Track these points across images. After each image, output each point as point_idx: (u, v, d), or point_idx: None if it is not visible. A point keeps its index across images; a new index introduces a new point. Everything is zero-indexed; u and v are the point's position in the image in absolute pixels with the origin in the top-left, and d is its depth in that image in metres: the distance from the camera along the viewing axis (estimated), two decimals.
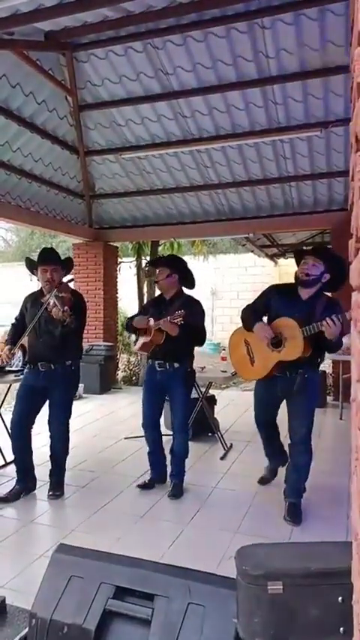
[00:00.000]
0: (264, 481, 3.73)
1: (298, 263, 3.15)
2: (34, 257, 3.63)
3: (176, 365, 3.53)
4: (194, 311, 3.45)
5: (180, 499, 3.52)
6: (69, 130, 5.99)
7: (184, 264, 3.71)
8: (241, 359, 3.33)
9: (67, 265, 3.60)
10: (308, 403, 3.19)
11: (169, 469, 3.73)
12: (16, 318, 3.69)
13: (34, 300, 3.56)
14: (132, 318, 3.74)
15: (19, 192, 5.87)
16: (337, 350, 3.06)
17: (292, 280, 3.18)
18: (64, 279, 3.58)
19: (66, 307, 3.20)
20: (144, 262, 8.92)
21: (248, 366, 3.28)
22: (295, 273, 3.12)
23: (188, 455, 3.71)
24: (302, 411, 3.17)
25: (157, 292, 8.93)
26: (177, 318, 3.27)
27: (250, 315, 3.23)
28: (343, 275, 2.93)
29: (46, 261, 3.46)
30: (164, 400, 3.75)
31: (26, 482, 3.58)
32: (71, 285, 3.61)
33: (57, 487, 3.56)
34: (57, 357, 3.44)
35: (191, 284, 3.69)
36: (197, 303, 3.59)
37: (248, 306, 3.32)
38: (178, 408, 3.60)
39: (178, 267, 3.65)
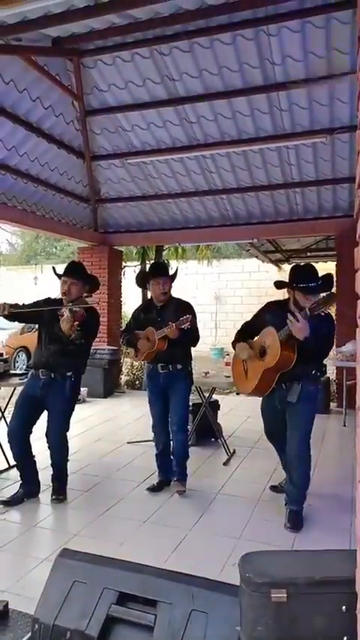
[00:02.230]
0: (277, 490, 3.66)
1: (282, 285, 3.22)
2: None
3: (179, 366, 3.61)
4: (191, 314, 3.53)
5: (183, 504, 3.51)
6: (75, 135, 6.02)
7: (174, 271, 3.83)
8: (239, 374, 3.44)
9: (89, 282, 3.62)
10: (304, 413, 3.16)
11: None
12: (29, 304, 3.61)
13: (51, 305, 3.52)
14: (126, 332, 3.81)
15: (25, 196, 5.90)
16: (317, 356, 3.08)
17: None
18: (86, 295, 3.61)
19: (76, 322, 3.23)
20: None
21: (244, 380, 3.36)
22: (295, 299, 3.11)
23: (189, 455, 3.73)
24: (296, 423, 3.17)
25: None
26: (184, 324, 3.33)
27: (238, 337, 3.40)
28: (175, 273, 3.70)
29: (67, 274, 3.51)
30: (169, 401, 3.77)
31: (30, 486, 3.58)
32: (89, 300, 3.60)
33: (60, 491, 3.56)
34: (59, 367, 3.43)
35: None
36: (190, 306, 3.68)
37: (243, 324, 3.46)
38: (179, 408, 3.63)
39: (174, 275, 3.76)
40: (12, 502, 3.44)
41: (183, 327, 3.34)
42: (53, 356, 3.42)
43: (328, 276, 3.14)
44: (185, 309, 3.57)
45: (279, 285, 3.25)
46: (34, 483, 3.60)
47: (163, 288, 3.66)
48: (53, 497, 3.53)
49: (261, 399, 3.41)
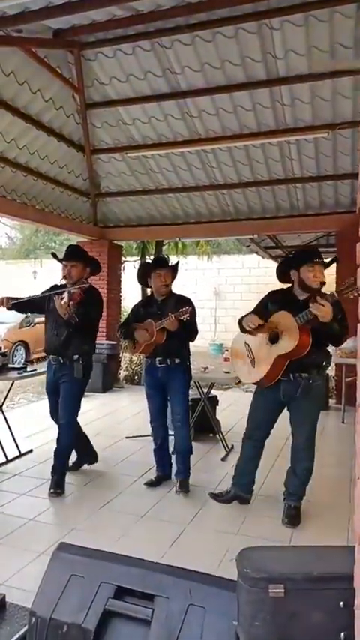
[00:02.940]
0: (217, 497, 3.44)
1: (286, 271, 3.16)
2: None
3: (177, 361, 3.59)
4: (191, 309, 3.49)
5: (181, 499, 3.51)
6: (75, 128, 5.99)
7: (176, 264, 3.82)
8: (243, 363, 3.27)
9: (90, 264, 3.71)
10: (312, 409, 3.14)
11: (174, 467, 3.76)
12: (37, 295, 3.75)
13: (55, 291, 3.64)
14: (125, 325, 3.80)
15: (24, 189, 5.87)
16: (342, 338, 2.99)
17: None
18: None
19: (71, 302, 3.33)
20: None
21: (251, 369, 3.19)
22: (301, 280, 3.05)
23: (192, 450, 3.71)
24: (305, 418, 3.13)
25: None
26: (184, 315, 3.30)
27: (245, 315, 3.21)
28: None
29: (66, 257, 3.63)
30: (167, 396, 3.76)
31: (89, 456, 4.02)
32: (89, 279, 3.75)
33: (58, 485, 3.56)
34: (66, 351, 3.55)
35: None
36: (190, 300, 3.66)
37: (249, 312, 3.30)
38: (179, 403, 3.62)
39: (176, 268, 3.75)
40: (73, 467, 3.90)
41: (182, 318, 3.32)
42: (59, 341, 3.55)
43: (334, 259, 3.25)
44: (185, 303, 3.56)
45: (282, 270, 3.19)
46: (89, 454, 4.03)
47: (164, 280, 3.64)
48: (51, 490, 3.53)
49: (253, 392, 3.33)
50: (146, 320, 3.63)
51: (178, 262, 3.88)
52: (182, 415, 3.62)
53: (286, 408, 3.20)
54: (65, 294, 3.37)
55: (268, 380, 3.07)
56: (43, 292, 3.74)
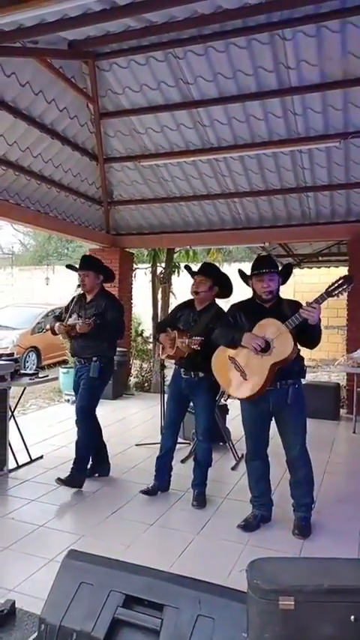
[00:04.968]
0: (245, 527, 3.17)
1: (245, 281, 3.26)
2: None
3: (201, 374, 3.50)
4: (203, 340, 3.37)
5: (190, 508, 3.49)
6: (89, 137, 6.06)
7: (225, 275, 3.71)
8: (232, 378, 3.14)
9: (102, 272, 4.02)
10: (302, 415, 3.14)
11: (178, 477, 3.75)
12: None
13: (76, 304, 4.03)
14: (161, 326, 3.85)
15: (38, 197, 5.94)
16: (319, 339, 3.03)
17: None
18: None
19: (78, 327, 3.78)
20: (159, 269, 8.94)
21: (243, 383, 3.06)
22: (254, 289, 3.17)
23: (211, 464, 3.67)
24: (297, 424, 3.11)
25: (172, 299, 8.80)
26: (194, 344, 3.30)
27: (229, 331, 3.14)
28: (227, 280, 3.61)
29: (80, 267, 4.00)
30: (187, 408, 3.77)
31: (103, 467, 4.07)
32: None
33: (68, 476, 3.70)
34: (83, 354, 3.88)
35: (228, 294, 3.68)
36: (221, 318, 3.49)
37: (224, 323, 3.25)
38: (202, 417, 3.59)
39: (220, 279, 3.65)
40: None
41: (194, 347, 3.31)
42: (78, 345, 3.91)
43: (287, 265, 3.36)
44: (216, 319, 3.43)
45: (243, 280, 3.26)
46: (99, 463, 4.05)
47: (196, 287, 3.59)
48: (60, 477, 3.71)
49: (240, 405, 3.26)
50: (178, 326, 3.62)
51: (225, 275, 3.68)
52: (205, 430, 3.58)
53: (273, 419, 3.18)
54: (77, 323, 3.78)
55: (262, 390, 2.98)
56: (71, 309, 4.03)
